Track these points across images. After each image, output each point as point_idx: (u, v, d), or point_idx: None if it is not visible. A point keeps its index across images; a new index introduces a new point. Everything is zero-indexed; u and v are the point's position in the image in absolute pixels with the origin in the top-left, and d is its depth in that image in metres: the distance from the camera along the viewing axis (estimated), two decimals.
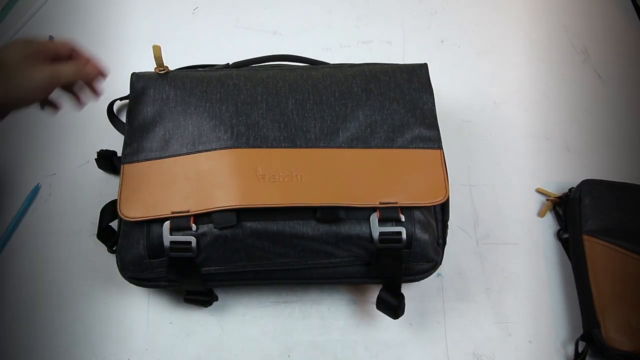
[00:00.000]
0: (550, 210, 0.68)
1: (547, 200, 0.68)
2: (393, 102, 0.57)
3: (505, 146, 0.72)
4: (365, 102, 0.56)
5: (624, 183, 0.65)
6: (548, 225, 0.67)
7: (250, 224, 0.51)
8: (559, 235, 0.66)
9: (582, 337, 0.58)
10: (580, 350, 0.58)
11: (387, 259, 0.52)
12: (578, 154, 0.72)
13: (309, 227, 0.51)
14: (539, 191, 0.69)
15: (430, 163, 0.54)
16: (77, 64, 0.46)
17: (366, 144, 0.54)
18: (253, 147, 0.53)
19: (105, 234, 0.57)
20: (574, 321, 0.61)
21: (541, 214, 0.67)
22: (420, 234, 0.52)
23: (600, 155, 0.72)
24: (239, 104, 0.55)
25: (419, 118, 0.56)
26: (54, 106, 0.52)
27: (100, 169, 0.67)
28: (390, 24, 0.82)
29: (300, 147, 0.53)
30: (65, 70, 0.45)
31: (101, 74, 0.49)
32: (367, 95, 0.57)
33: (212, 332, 0.59)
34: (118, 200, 0.52)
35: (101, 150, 0.65)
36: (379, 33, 0.81)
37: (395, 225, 0.52)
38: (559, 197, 0.67)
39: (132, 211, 0.51)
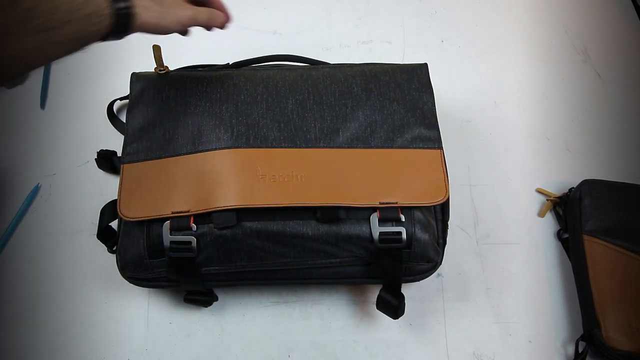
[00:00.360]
0: (550, 210, 0.68)
1: (547, 200, 0.68)
2: (393, 102, 0.56)
3: (505, 146, 0.72)
4: (365, 102, 0.56)
5: (624, 183, 0.65)
6: (548, 225, 0.67)
7: (250, 224, 0.51)
8: (559, 235, 0.66)
9: (582, 337, 0.58)
10: (580, 350, 0.58)
11: (387, 259, 0.52)
12: (578, 154, 0.72)
13: (309, 227, 0.51)
14: (539, 191, 0.69)
15: (430, 163, 0.54)
16: (211, 12, 0.53)
17: (366, 144, 0.54)
18: (253, 147, 0.53)
19: (105, 234, 0.57)
20: (574, 321, 0.61)
21: (541, 214, 0.67)
22: (420, 234, 0.52)
23: (600, 155, 0.72)
24: (239, 103, 0.55)
25: (419, 118, 0.56)
26: (185, 32, 0.54)
27: (100, 169, 0.67)
28: (390, 24, 0.82)
29: (300, 147, 0.53)
30: (202, 15, 0.52)
31: (228, 21, 0.55)
32: (367, 95, 0.57)
33: (212, 332, 0.59)
34: (118, 200, 0.52)
35: (101, 150, 0.65)
36: (379, 33, 0.81)
37: (396, 225, 0.52)
38: (559, 197, 0.67)
39: (132, 211, 0.51)
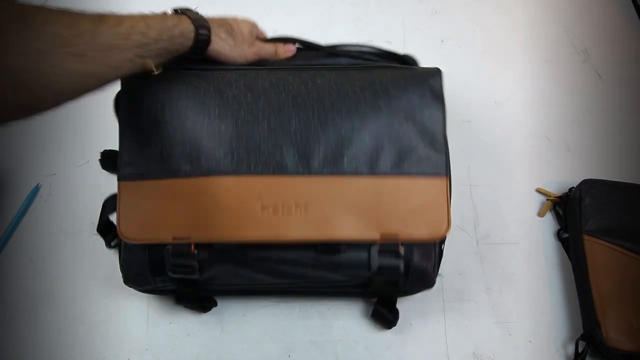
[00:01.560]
0: (550, 210, 0.68)
1: (547, 200, 0.68)
2: (402, 123, 0.52)
3: (505, 146, 0.72)
4: (374, 121, 0.52)
5: (624, 183, 0.65)
6: (548, 225, 0.67)
7: (252, 252, 0.51)
8: (559, 235, 0.66)
9: (582, 337, 0.58)
10: (580, 350, 0.58)
11: (384, 284, 0.54)
12: (578, 154, 0.72)
13: (309, 258, 0.52)
14: (539, 191, 0.69)
15: (435, 192, 0.52)
16: (275, 48, 0.59)
17: (371, 170, 0.51)
18: (255, 173, 0.50)
19: (105, 228, 0.56)
20: (574, 321, 0.61)
21: (541, 214, 0.67)
22: (418, 264, 0.52)
23: (600, 155, 0.72)
24: (239, 122, 0.51)
25: (428, 141, 0.53)
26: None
27: (105, 169, 0.66)
28: (390, 24, 0.82)
29: (303, 174, 0.51)
30: (266, 52, 0.59)
31: (292, 52, 0.60)
32: (376, 113, 0.52)
33: (212, 332, 0.59)
34: (117, 219, 0.51)
35: (105, 151, 0.65)
36: (379, 33, 0.81)
37: (395, 257, 0.51)
38: (559, 197, 0.67)
39: (133, 232, 0.51)
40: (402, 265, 0.51)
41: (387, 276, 0.52)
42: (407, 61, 0.60)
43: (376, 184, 0.51)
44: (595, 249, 0.60)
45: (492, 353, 0.59)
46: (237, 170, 0.50)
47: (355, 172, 0.51)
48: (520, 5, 0.86)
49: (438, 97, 0.54)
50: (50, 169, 0.68)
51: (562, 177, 0.70)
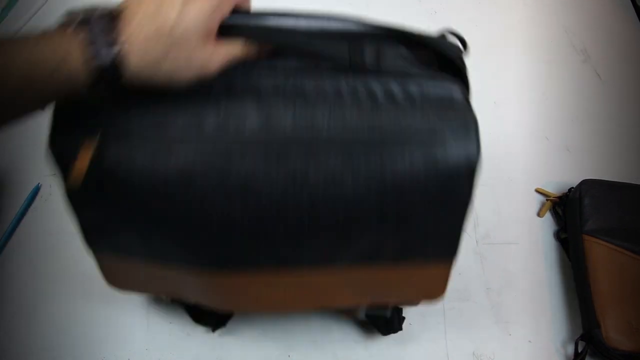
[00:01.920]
0: (550, 210, 0.68)
1: (546, 200, 0.68)
2: (412, 226, 0.42)
3: (505, 146, 0.72)
4: (377, 225, 0.41)
5: (624, 183, 0.65)
6: (548, 225, 0.67)
7: None
8: (558, 236, 0.66)
9: (582, 337, 0.58)
10: (580, 350, 0.58)
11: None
12: (578, 154, 0.72)
13: None
14: (538, 191, 0.69)
15: (439, 274, 0.47)
16: (249, 50, 0.39)
17: (370, 262, 0.44)
18: (236, 273, 0.44)
19: None
20: (574, 321, 0.61)
21: (541, 214, 0.67)
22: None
23: (600, 155, 0.72)
24: (211, 228, 0.40)
25: (442, 235, 0.44)
26: None
27: None
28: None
29: (292, 270, 0.44)
30: (235, 56, 0.37)
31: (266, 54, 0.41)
32: (380, 219, 0.41)
33: (212, 332, 0.59)
34: (102, 275, 0.49)
35: None
36: None
37: (383, 310, 0.53)
38: (559, 197, 0.67)
39: (122, 285, 0.50)
40: (389, 313, 0.54)
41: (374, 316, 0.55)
42: (448, 60, 0.43)
43: (373, 274, 0.45)
44: (595, 249, 0.60)
45: (492, 353, 0.59)
46: (217, 271, 0.43)
47: (351, 265, 0.44)
48: (520, 5, 0.86)
49: (465, 196, 0.41)
50: (50, 169, 0.68)
51: (562, 177, 0.70)
